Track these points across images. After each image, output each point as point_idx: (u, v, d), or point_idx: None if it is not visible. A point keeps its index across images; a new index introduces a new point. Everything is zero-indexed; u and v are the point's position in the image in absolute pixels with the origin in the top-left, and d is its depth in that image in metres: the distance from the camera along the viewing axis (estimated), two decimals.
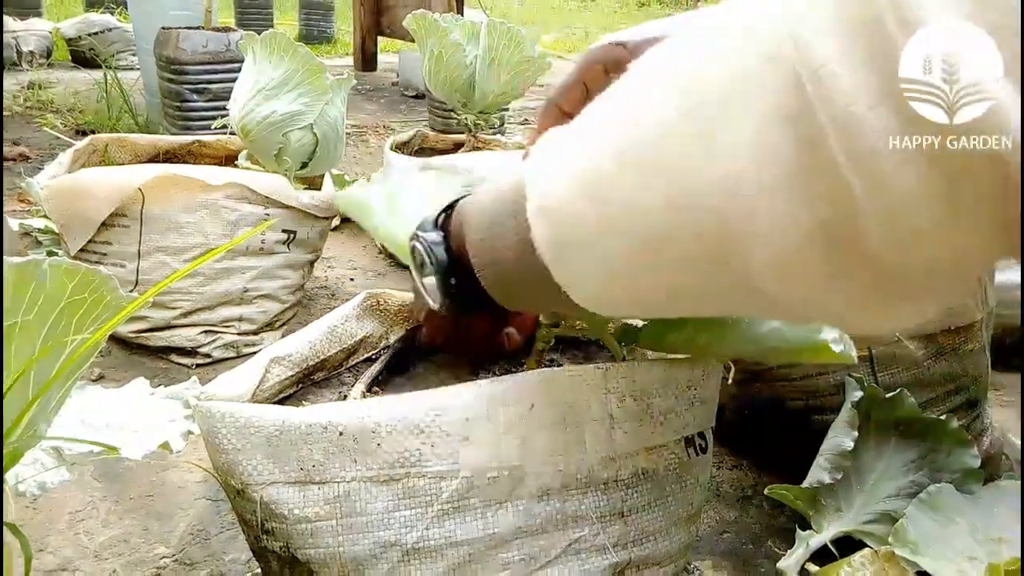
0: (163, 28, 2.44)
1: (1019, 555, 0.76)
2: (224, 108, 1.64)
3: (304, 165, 1.55)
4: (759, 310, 0.44)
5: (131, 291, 0.74)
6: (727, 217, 0.34)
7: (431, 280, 0.56)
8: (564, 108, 0.68)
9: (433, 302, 0.58)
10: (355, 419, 0.63)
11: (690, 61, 0.37)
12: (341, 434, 0.63)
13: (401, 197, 0.74)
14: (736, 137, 0.33)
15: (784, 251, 0.33)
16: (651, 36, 0.65)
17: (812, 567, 0.92)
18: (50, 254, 1.64)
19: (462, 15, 3.42)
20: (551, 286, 0.44)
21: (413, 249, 0.58)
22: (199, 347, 1.40)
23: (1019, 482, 0.95)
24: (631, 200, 0.38)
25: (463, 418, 0.65)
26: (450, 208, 0.56)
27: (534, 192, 0.44)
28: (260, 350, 0.80)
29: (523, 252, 0.45)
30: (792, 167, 0.32)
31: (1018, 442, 1.18)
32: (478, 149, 2.03)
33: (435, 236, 0.55)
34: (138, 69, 2.96)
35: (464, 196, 0.55)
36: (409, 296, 0.90)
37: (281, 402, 0.78)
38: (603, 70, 0.66)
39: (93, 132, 2.30)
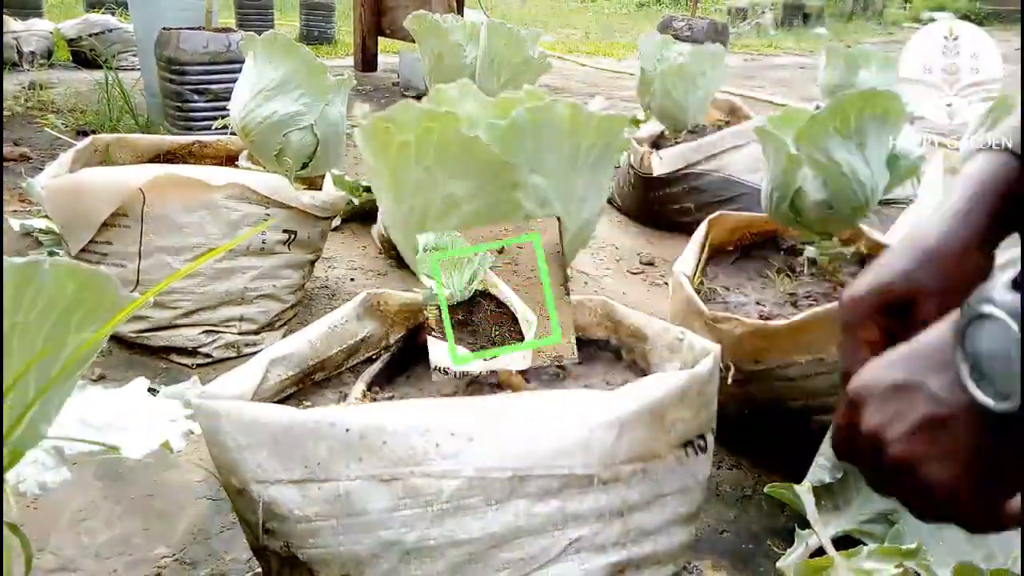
0: (164, 29, 2.44)
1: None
2: (225, 108, 1.64)
3: (305, 165, 1.55)
4: None
5: (132, 291, 0.74)
6: None
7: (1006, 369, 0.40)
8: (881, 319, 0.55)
9: (985, 396, 0.41)
10: (364, 417, 0.64)
11: None
12: (348, 431, 0.63)
13: None
14: None
15: None
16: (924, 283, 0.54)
17: None
18: (51, 254, 1.64)
19: (462, 16, 3.42)
20: None
21: (979, 318, 0.42)
22: (200, 347, 1.40)
23: None
24: None
25: (469, 419, 0.65)
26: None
27: None
28: (261, 350, 0.81)
29: None
30: None
31: None
32: None
33: (1016, 298, 0.40)
34: (139, 69, 2.96)
35: None
36: (411, 296, 0.90)
37: (281, 402, 0.78)
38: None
39: (94, 132, 2.30)
